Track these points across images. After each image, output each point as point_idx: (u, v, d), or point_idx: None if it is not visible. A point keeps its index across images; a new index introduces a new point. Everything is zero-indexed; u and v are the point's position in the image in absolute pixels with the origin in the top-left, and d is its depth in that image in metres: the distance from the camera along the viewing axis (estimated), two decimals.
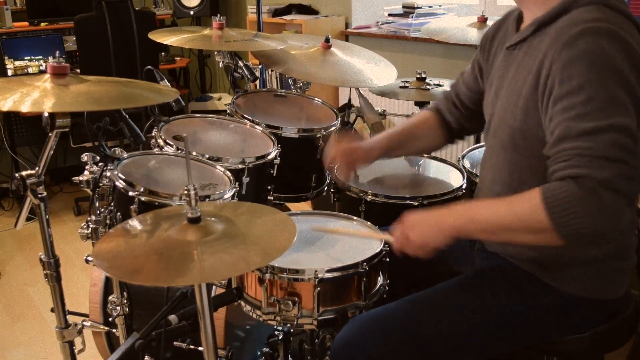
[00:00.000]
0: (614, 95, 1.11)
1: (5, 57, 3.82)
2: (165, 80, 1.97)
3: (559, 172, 1.12)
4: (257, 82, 2.58)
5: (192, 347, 1.61)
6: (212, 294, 1.56)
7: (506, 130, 1.32)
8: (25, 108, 1.30)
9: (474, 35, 2.52)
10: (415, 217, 1.28)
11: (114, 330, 1.84)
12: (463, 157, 2.08)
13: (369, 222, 1.58)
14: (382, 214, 1.73)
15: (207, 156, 1.76)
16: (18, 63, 3.87)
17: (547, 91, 1.18)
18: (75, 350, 1.63)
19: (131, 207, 1.54)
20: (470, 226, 1.21)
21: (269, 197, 1.96)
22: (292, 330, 1.74)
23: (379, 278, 1.46)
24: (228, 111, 2.07)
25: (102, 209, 1.64)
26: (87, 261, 1.68)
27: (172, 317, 1.23)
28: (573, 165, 1.10)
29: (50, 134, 1.44)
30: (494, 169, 1.39)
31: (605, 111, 1.10)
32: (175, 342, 1.62)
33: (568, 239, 1.10)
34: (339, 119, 2.12)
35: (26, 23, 4.03)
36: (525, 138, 1.27)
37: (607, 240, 1.26)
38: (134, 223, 1.22)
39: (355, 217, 1.61)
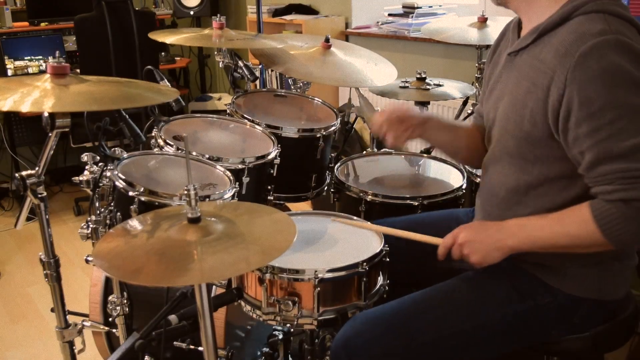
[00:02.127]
0: (637, 109, 1.13)
1: (5, 57, 3.82)
2: (165, 80, 1.97)
3: (606, 194, 1.17)
4: (257, 82, 2.58)
5: (192, 347, 1.61)
6: (212, 294, 1.56)
7: (511, 139, 1.32)
8: (25, 108, 1.30)
9: (474, 35, 2.52)
10: (470, 234, 1.32)
11: (114, 330, 1.84)
12: None
13: (369, 222, 1.58)
14: (382, 214, 1.73)
15: (207, 156, 1.76)
16: (18, 63, 3.87)
17: (564, 111, 1.19)
18: (75, 350, 1.63)
19: (131, 207, 1.54)
20: (526, 246, 1.28)
21: (269, 197, 1.96)
22: (292, 330, 1.74)
23: (379, 278, 1.46)
24: (228, 111, 2.07)
25: (102, 209, 1.64)
26: (87, 261, 1.68)
27: (172, 317, 1.23)
28: (619, 189, 1.15)
29: (50, 134, 1.44)
30: (499, 174, 1.39)
31: (634, 128, 1.13)
32: (175, 342, 1.62)
33: (620, 247, 1.20)
34: (339, 119, 2.12)
35: (26, 23, 4.03)
36: (533, 148, 1.28)
37: None
38: (134, 223, 1.22)
39: (355, 217, 1.61)
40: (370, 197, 1.85)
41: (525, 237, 1.27)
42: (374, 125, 1.55)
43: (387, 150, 2.33)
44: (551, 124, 1.22)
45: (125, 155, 1.70)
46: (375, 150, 2.34)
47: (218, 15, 2.14)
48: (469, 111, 2.62)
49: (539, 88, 1.23)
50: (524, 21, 1.36)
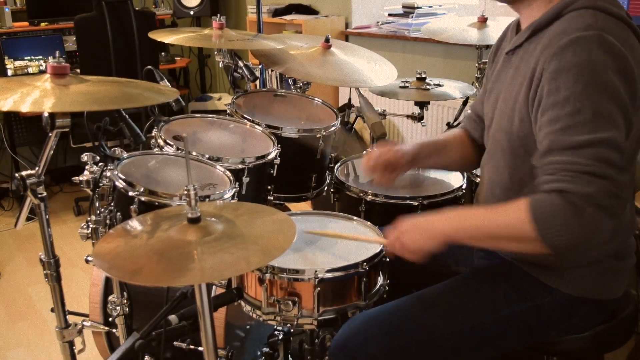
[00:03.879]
0: (600, 108, 1.12)
1: (5, 57, 3.82)
2: (165, 80, 1.97)
3: (546, 184, 1.15)
4: (257, 82, 2.58)
5: (192, 347, 1.61)
6: (212, 294, 1.56)
7: (504, 135, 1.32)
8: (25, 108, 1.30)
9: (474, 35, 2.52)
10: (408, 222, 1.30)
11: (114, 330, 1.84)
12: None
13: (369, 222, 1.58)
14: (382, 214, 1.74)
15: (207, 156, 1.76)
16: (18, 63, 3.87)
17: (537, 100, 1.19)
18: (75, 350, 1.63)
19: (131, 207, 1.54)
20: (460, 233, 1.25)
21: (269, 197, 1.96)
22: (292, 330, 1.74)
23: (379, 278, 1.46)
24: (228, 111, 2.06)
25: (102, 209, 1.64)
26: (87, 261, 1.68)
27: (172, 317, 1.23)
28: (559, 179, 1.12)
29: (50, 134, 1.44)
30: (494, 172, 1.40)
31: (591, 125, 1.11)
32: (175, 342, 1.62)
33: (552, 249, 1.13)
34: (339, 119, 2.12)
35: (26, 23, 4.03)
36: (523, 144, 1.28)
37: (588, 250, 1.27)
38: (134, 223, 1.22)
39: (355, 217, 1.61)
40: (370, 197, 1.85)
41: (458, 224, 1.25)
42: (363, 169, 1.59)
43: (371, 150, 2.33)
44: (531, 115, 1.22)
45: (125, 155, 1.70)
46: (375, 148, 2.34)
47: (218, 15, 2.14)
48: (469, 111, 2.62)
49: (526, 81, 1.23)
50: (522, 19, 1.36)
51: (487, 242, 1.25)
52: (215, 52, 2.18)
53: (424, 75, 2.45)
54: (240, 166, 1.77)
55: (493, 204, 1.38)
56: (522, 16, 1.35)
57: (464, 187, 1.91)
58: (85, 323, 1.76)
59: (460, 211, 1.28)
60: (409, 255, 1.29)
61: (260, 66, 3.17)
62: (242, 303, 1.44)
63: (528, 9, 1.32)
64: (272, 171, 1.89)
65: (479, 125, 1.60)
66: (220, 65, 2.20)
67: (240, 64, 2.16)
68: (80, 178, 1.62)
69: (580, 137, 1.11)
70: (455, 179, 1.99)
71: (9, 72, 3.84)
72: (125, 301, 1.74)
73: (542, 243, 1.13)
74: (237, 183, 1.70)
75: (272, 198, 1.97)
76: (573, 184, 1.10)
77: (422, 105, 2.44)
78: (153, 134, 1.84)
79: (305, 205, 2.62)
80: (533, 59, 1.23)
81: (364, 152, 2.24)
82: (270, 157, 1.85)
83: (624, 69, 1.14)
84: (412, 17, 3.44)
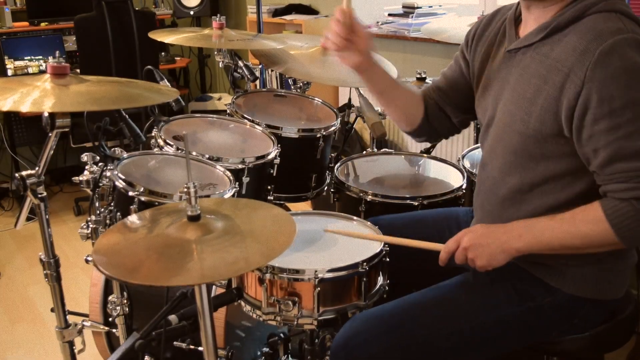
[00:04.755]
0: None
1: (5, 57, 3.82)
2: (165, 80, 1.97)
3: (620, 192, 1.16)
4: (257, 82, 2.58)
5: (192, 347, 1.61)
6: (212, 294, 1.56)
7: (515, 137, 1.31)
8: (25, 108, 1.30)
9: None
10: (475, 237, 1.29)
11: (114, 330, 1.84)
12: (463, 157, 2.08)
13: (369, 222, 1.58)
14: (382, 214, 1.73)
15: (207, 156, 1.76)
16: (18, 63, 3.87)
17: (580, 108, 1.18)
18: (75, 350, 1.63)
19: (131, 207, 1.54)
20: (534, 247, 1.26)
21: (269, 197, 1.96)
22: (292, 330, 1.74)
23: (379, 278, 1.46)
24: (228, 111, 2.06)
25: (102, 209, 1.64)
26: (87, 261, 1.68)
27: (172, 317, 1.23)
28: (633, 187, 1.15)
29: (50, 134, 1.44)
30: (500, 172, 1.38)
31: None
32: (175, 342, 1.62)
33: (632, 246, 1.22)
34: (339, 119, 2.12)
35: (26, 23, 4.03)
36: (539, 145, 1.27)
37: None
38: (134, 219, 1.21)
39: (355, 217, 1.61)
40: (370, 197, 1.85)
41: (532, 238, 1.25)
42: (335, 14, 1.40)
43: (387, 150, 2.33)
44: (563, 121, 1.21)
45: (125, 155, 1.70)
46: (375, 150, 2.34)
47: (218, 15, 2.14)
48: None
49: (551, 85, 1.22)
50: (529, 18, 1.33)
51: (562, 251, 1.26)
52: (215, 52, 2.18)
53: (424, 75, 2.45)
54: (240, 166, 1.77)
55: (497, 203, 1.39)
56: (533, 15, 1.32)
57: (464, 187, 1.91)
58: (85, 323, 1.76)
59: (529, 224, 1.27)
60: (478, 268, 1.29)
61: (260, 66, 3.17)
62: (242, 303, 1.44)
63: (541, 8, 1.30)
64: (272, 171, 1.89)
65: (444, 98, 1.57)
66: (220, 65, 2.20)
67: (240, 64, 2.16)
68: (80, 178, 1.62)
69: None
70: (455, 179, 1.99)
71: (9, 72, 3.83)
72: (125, 301, 1.74)
73: (624, 245, 1.18)
74: (237, 183, 1.70)
75: (272, 198, 1.97)
76: None
77: None
78: (153, 134, 1.84)
79: (305, 205, 2.62)
80: (560, 64, 1.21)
81: (364, 152, 2.25)
82: (270, 157, 1.85)
83: None
84: (412, 17, 3.44)
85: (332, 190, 2.00)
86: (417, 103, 1.58)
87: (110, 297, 1.75)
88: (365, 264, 1.37)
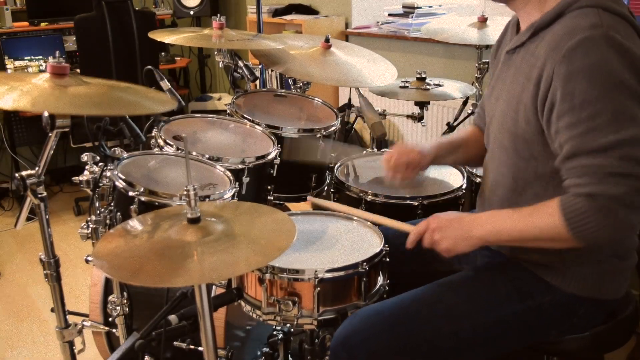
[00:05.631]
0: (618, 107, 1.13)
1: (5, 57, 3.82)
2: (165, 80, 1.96)
3: (574, 188, 1.17)
4: (257, 82, 2.58)
5: (192, 347, 1.61)
6: (212, 294, 1.56)
7: (507, 135, 1.32)
8: (23, 107, 1.30)
9: (474, 35, 2.52)
10: (442, 220, 1.33)
11: (114, 330, 1.84)
12: None
13: (369, 222, 1.58)
14: (382, 214, 1.73)
15: (207, 156, 1.76)
16: (18, 63, 3.87)
17: (548, 103, 1.19)
18: (75, 350, 1.63)
19: (131, 207, 1.54)
20: (494, 236, 1.28)
21: (269, 197, 1.96)
22: (292, 330, 1.74)
23: (379, 278, 1.46)
24: (228, 111, 2.06)
25: (102, 209, 1.64)
26: (87, 261, 1.68)
27: (172, 317, 1.23)
28: (587, 183, 1.14)
29: (50, 134, 1.44)
30: (497, 172, 1.39)
31: (613, 125, 1.12)
32: (175, 342, 1.62)
33: (587, 245, 1.19)
34: (339, 119, 2.12)
35: (26, 23, 4.03)
36: (528, 145, 1.28)
37: (622, 242, 1.33)
38: (134, 223, 1.22)
39: (355, 217, 1.61)
40: (370, 197, 1.84)
41: (492, 228, 1.28)
42: (385, 171, 1.64)
43: (387, 150, 2.32)
44: (540, 117, 1.22)
45: (125, 155, 1.70)
46: (375, 150, 2.34)
47: (218, 15, 2.14)
48: (469, 111, 2.62)
49: (531, 83, 1.23)
50: (522, 18, 1.36)
51: (522, 243, 1.27)
52: (215, 52, 2.18)
53: (424, 75, 2.45)
54: (240, 166, 1.77)
55: (496, 204, 1.39)
56: (520, 15, 1.35)
57: (464, 187, 1.91)
58: (85, 323, 1.76)
59: (493, 214, 1.31)
60: (442, 252, 1.32)
61: (260, 66, 3.17)
62: (242, 303, 1.44)
63: (524, 8, 1.32)
64: (272, 171, 1.89)
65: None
66: (220, 65, 2.20)
67: (240, 64, 2.16)
68: (80, 178, 1.62)
69: (604, 139, 1.12)
70: (455, 179, 1.98)
71: (9, 72, 3.83)
72: (125, 301, 1.74)
73: (578, 242, 1.18)
74: (237, 183, 1.70)
75: (272, 198, 1.97)
76: (601, 187, 1.13)
77: (422, 105, 2.44)
78: (153, 134, 1.84)
79: (305, 205, 2.62)
80: (537, 60, 1.22)
81: (364, 152, 2.25)
82: (270, 157, 1.85)
83: (635, 65, 1.14)
84: (412, 17, 3.44)
85: (332, 190, 2.00)
86: (480, 138, 1.61)
87: (110, 297, 1.75)
88: (365, 264, 1.37)
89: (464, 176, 1.97)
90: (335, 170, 2.03)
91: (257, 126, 1.98)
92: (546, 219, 1.19)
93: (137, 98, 1.52)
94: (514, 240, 1.27)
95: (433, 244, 1.33)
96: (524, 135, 1.28)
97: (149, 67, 1.96)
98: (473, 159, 1.66)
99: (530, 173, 1.30)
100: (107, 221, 1.64)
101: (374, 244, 1.47)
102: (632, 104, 1.13)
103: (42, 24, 4.06)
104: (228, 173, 1.72)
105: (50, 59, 1.43)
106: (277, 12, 4.03)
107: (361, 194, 1.86)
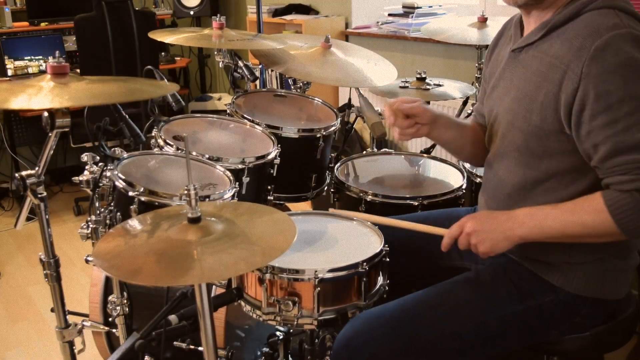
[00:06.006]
0: None
1: (5, 57, 3.82)
2: (165, 80, 1.96)
3: (621, 184, 1.17)
4: (257, 82, 2.58)
5: (192, 347, 1.61)
6: (212, 294, 1.56)
7: (518, 134, 1.32)
8: (25, 106, 1.30)
9: (474, 35, 2.52)
10: (478, 223, 1.30)
11: (114, 330, 1.84)
12: None
13: (369, 222, 1.58)
14: (382, 214, 1.73)
15: (207, 156, 1.76)
16: (18, 63, 3.87)
17: (578, 105, 1.19)
18: (75, 350, 1.63)
19: (131, 207, 1.54)
20: (537, 235, 1.27)
21: (269, 197, 1.96)
22: (292, 330, 1.74)
23: (379, 278, 1.46)
24: (228, 111, 2.06)
25: (102, 209, 1.64)
26: (87, 261, 1.68)
27: (172, 317, 1.23)
28: (634, 179, 1.15)
29: (50, 134, 1.44)
30: (505, 170, 1.39)
31: None
32: (175, 342, 1.62)
33: (633, 237, 1.20)
34: (339, 119, 2.12)
35: (26, 23, 4.03)
36: (542, 142, 1.28)
37: None
38: (134, 223, 1.22)
39: (355, 217, 1.61)
40: (370, 197, 1.85)
41: (534, 225, 1.26)
42: (385, 112, 1.48)
43: (387, 150, 2.33)
44: (563, 117, 1.22)
45: (125, 155, 1.70)
46: (375, 150, 2.34)
47: (218, 15, 2.14)
48: (469, 111, 2.62)
49: (551, 82, 1.23)
50: (533, 18, 1.35)
51: (565, 240, 1.27)
52: (215, 52, 2.18)
53: (424, 75, 2.45)
54: (240, 166, 1.77)
55: (502, 201, 1.39)
56: (532, 16, 1.34)
57: (464, 187, 1.91)
58: (85, 323, 1.76)
59: (532, 211, 1.28)
60: (481, 255, 1.30)
61: (260, 66, 3.17)
62: (242, 303, 1.44)
63: (539, 7, 1.31)
64: (272, 171, 1.89)
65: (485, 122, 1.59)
66: (220, 65, 2.20)
67: (240, 64, 2.16)
68: (80, 178, 1.62)
69: None
70: (455, 179, 1.99)
71: (9, 72, 3.84)
72: (125, 301, 1.74)
73: (626, 236, 1.19)
74: (237, 183, 1.69)
75: (272, 198, 1.97)
76: None
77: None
78: (153, 134, 1.84)
79: (305, 205, 2.62)
80: (555, 59, 1.23)
81: (364, 152, 2.25)
82: (270, 157, 1.85)
83: None
84: (412, 17, 3.44)
85: (332, 190, 2.00)
86: (480, 136, 1.59)
87: (110, 297, 1.75)
88: (365, 264, 1.37)
89: (464, 176, 1.98)
90: (335, 170, 2.04)
91: (257, 126, 1.98)
92: (592, 216, 1.20)
93: (138, 86, 1.52)
94: (555, 237, 1.26)
95: (470, 247, 1.31)
96: (538, 133, 1.28)
97: (149, 67, 1.96)
98: (467, 147, 1.59)
99: (543, 170, 1.30)
100: (107, 221, 1.64)
101: (374, 244, 1.47)
102: None
103: (42, 24, 4.06)
104: (228, 173, 1.72)
105: (50, 59, 1.43)
106: (277, 12, 4.03)
107: (361, 194, 1.86)
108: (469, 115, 2.60)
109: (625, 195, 1.16)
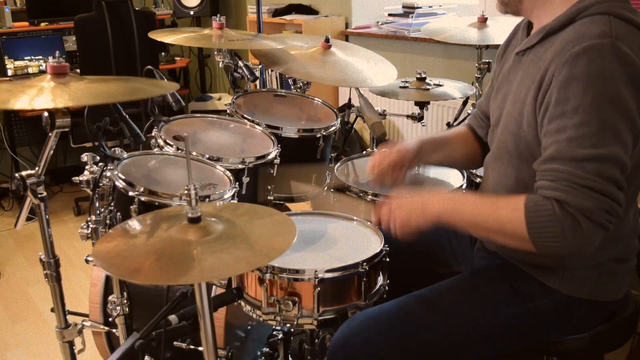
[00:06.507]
0: (607, 122, 1.12)
1: (5, 57, 3.82)
2: (165, 80, 1.96)
3: (545, 190, 1.16)
4: (257, 82, 2.58)
5: (192, 347, 1.61)
6: (212, 294, 1.56)
7: (511, 138, 1.32)
8: (25, 106, 1.30)
9: (474, 35, 2.51)
10: (403, 199, 1.33)
11: (114, 330, 1.84)
12: None
13: (369, 222, 1.58)
14: None
15: (207, 156, 1.76)
16: (18, 63, 3.87)
17: (544, 105, 1.19)
18: (75, 350, 1.63)
19: (131, 207, 1.54)
20: (453, 217, 1.27)
21: (269, 197, 1.96)
22: (292, 330, 1.74)
23: (379, 278, 1.46)
24: (228, 111, 2.06)
25: (102, 209, 1.64)
26: (87, 261, 1.68)
27: (172, 317, 1.23)
28: (558, 188, 1.14)
29: (50, 134, 1.44)
30: (499, 174, 1.39)
31: (596, 139, 1.12)
32: (175, 342, 1.62)
33: (539, 250, 1.16)
34: (339, 119, 2.12)
35: (26, 23, 4.03)
36: (530, 148, 1.28)
37: (573, 257, 1.30)
38: (134, 223, 1.22)
39: (355, 217, 1.61)
40: (370, 197, 1.84)
41: (452, 208, 1.27)
42: (371, 178, 1.58)
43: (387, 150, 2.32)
44: (538, 122, 1.22)
45: (125, 155, 1.70)
46: (375, 150, 2.34)
47: (218, 15, 2.14)
48: (469, 111, 2.62)
49: (534, 83, 1.23)
50: (534, 21, 1.35)
51: (477, 230, 1.27)
52: (215, 52, 2.18)
53: (424, 75, 2.45)
54: (240, 166, 1.77)
55: None
56: (534, 18, 1.34)
57: (464, 187, 1.91)
58: (85, 323, 1.76)
59: (456, 195, 1.31)
60: (398, 228, 1.31)
61: (260, 66, 3.17)
62: (242, 303, 1.44)
63: (533, 13, 1.32)
64: (272, 171, 1.89)
65: (485, 123, 1.59)
66: (220, 65, 2.20)
67: (240, 64, 2.16)
68: (80, 178, 1.62)
69: (584, 151, 1.12)
70: (455, 179, 1.98)
71: (9, 72, 3.84)
72: (125, 301, 1.73)
73: (530, 244, 1.16)
74: (237, 183, 1.69)
75: (272, 198, 1.97)
76: (572, 196, 1.12)
77: (422, 105, 2.44)
78: (153, 134, 1.84)
79: (305, 205, 2.62)
80: (543, 63, 1.22)
81: (364, 152, 2.25)
82: (270, 157, 1.85)
83: (635, 79, 1.13)
84: (412, 17, 3.45)
85: (332, 190, 2.00)
86: (471, 141, 1.61)
87: (110, 297, 1.75)
88: (365, 264, 1.37)
89: (464, 176, 1.97)
90: (335, 170, 2.04)
91: (257, 126, 1.98)
92: (508, 212, 1.18)
93: (139, 85, 1.52)
94: (470, 225, 1.25)
95: (393, 221, 1.31)
96: (526, 138, 1.27)
97: (149, 67, 1.96)
98: (459, 159, 1.63)
99: (532, 175, 1.29)
100: (107, 221, 1.64)
101: (374, 244, 1.47)
102: (620, 120, 1.12)
103: (42, 24, 4.06)
104: (228, 173, 1.72)
105: (50, 59, 1.43)
106: (277, 12, 4.03)
107: (361, 194, 1.86)
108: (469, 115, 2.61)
109: (546, 202, 1.14)
